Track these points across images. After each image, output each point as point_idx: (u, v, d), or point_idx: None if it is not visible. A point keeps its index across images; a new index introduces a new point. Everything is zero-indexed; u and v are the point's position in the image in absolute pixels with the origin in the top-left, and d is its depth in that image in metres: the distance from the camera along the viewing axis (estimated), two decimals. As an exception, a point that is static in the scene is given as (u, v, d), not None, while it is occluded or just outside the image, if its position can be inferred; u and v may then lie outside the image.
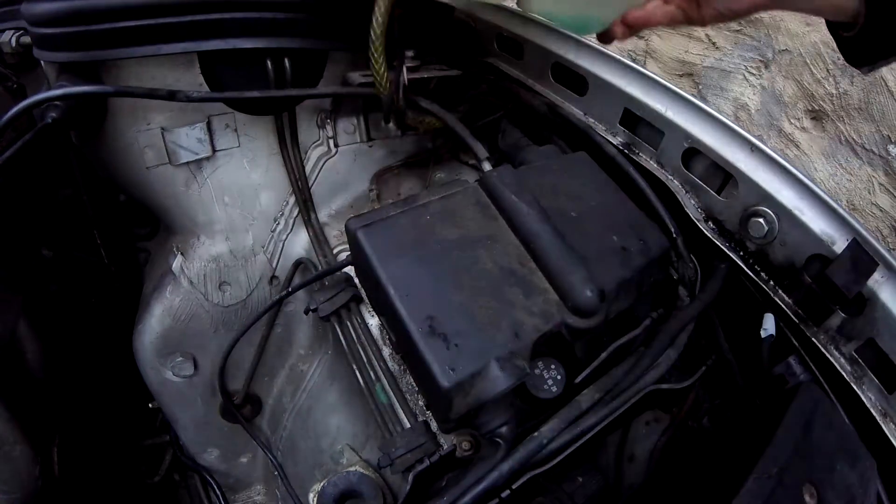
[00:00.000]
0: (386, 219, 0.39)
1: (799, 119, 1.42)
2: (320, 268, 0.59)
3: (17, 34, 0.59)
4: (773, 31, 1.35)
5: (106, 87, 0.47)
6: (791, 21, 1.31)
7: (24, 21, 0.51)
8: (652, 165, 0.52)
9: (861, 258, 0.41)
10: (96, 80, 0.51)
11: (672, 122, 0.50)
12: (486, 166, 0.49)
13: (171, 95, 0.46)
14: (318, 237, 0.59)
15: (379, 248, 0.38)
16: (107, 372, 0.67)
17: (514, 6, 0.57)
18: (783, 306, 0.46)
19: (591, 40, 0.54)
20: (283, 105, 0.53)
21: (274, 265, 0.61)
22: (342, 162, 0.60)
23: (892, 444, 0.40)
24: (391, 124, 0.51)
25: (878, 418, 0.41)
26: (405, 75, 0.48)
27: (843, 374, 0.43)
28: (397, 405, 0.49)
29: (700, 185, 0.50)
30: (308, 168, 0.59)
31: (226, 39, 0.45)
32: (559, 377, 0.42)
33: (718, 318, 0.52)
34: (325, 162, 0.59)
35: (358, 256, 0.39)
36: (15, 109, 0.43)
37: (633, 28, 0.46)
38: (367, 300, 0.58)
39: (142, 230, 0.72)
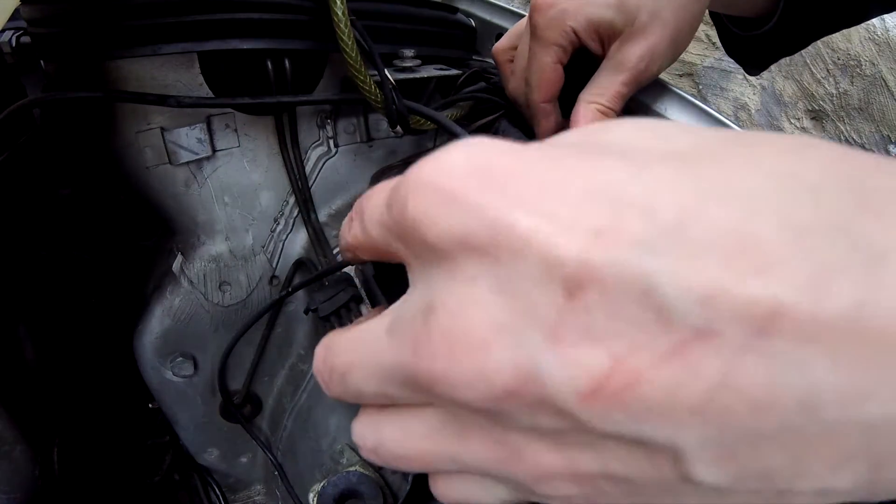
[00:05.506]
0: None
1: (799, 119, 1.42)
2: (320, 268, 0.59)
3: (17, 34, 0.59)
4: (773, 30, 1.34)
5: (94, 93, 0.47)
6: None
7: (23, 21, 0.51)
8: (652, 165, 0.52)
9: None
10: (96, 80, 0.51)
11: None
12: None
13: (162, 100, 0.46)
14: (318, 237, 0.59)
15: None
16: (107, 372, 0.67)
17: (515, 6, 0.57)
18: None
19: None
20: (283, 105, 0.53)
21: (274, 265, 0.61)
22: (342, 162, 0.60)
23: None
24: (398, 127, 0.51)
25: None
26: (391, 78, 0.48)
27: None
28: (397, 405, 0.49)
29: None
30: (308, 168, 0.59)
31: (226, 40, 0.45)
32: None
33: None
34: (325, 162, 0.59)
35: None
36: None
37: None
38: (366, 300, 0.58)
39: (142, 230, 0.72)
